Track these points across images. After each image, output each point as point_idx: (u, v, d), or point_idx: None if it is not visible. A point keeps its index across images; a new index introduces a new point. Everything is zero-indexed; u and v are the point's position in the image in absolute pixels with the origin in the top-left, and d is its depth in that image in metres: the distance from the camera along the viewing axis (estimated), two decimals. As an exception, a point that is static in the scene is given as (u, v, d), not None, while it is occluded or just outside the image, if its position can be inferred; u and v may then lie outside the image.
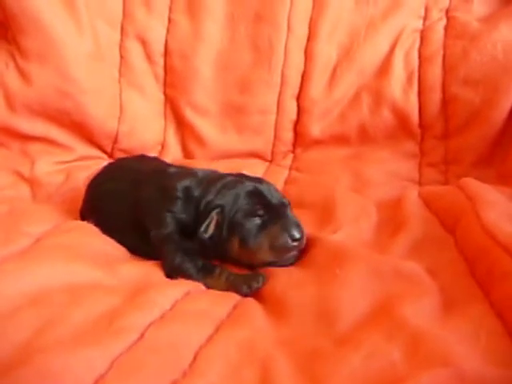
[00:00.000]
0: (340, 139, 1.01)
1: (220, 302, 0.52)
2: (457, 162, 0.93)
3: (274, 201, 0.61)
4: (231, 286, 0.56)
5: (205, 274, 0.58)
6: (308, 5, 1.00)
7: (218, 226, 0.60)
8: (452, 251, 0.57)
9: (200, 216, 0.60)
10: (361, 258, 0.53)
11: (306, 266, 0.57)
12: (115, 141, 1.01)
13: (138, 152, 1.01)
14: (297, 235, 0.57)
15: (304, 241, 0.59)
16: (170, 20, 1.03)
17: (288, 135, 1.04)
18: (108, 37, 1.00)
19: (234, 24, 1.01)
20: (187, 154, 1.05)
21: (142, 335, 0.41)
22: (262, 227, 0.58)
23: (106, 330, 0.41)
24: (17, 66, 0.93)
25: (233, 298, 0.54)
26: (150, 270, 0.61)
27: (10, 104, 0.94)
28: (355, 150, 1.00)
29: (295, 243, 0.57)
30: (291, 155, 1.04)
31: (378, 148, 0.99)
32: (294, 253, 0.59)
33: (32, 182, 0.94)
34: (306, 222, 0.70)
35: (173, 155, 1.04)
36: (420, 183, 0.93)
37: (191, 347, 0.42)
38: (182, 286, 0.55)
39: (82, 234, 0.65)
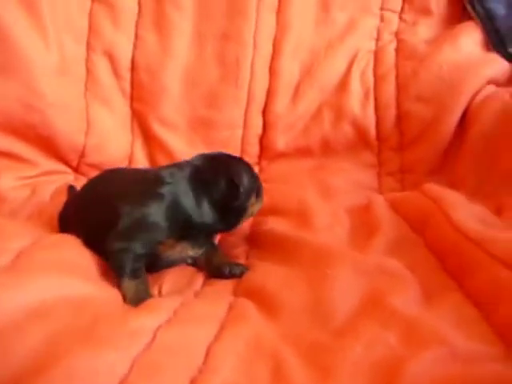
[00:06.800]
0: (304, 152, 1.07)
1: (215, 304, 0.53)
2: (411, 171, 1.01)
3: None
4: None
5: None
6: (272, 25, 1.05)
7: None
8: (423, 250, 0.62)
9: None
10: (346, 257, 0.57)
11: (293, 265, 0.60)
12: (82, 155, 1.00)
13: (105, 166, 1.01)
14: None
15: None
16: (136, 36, 1.04)
17: (254, 149, 1.08)
18: (74, 51, 1.00)
19: (201, 41, 1.04)
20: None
21: (154, 337, 0.42)
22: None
23: (121, 332, 0.42)
24: (-21, 79, 0.91)
25: (225, 299, 0.56)
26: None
27: (-29, 117, 0.91)
28: (318, 162, 1.06)
29: None
30: (257, 167, 1.08)
31: (339, 159, 1.05)
32: None
33: (-5, 198, 0.91)
34: (282, 228, 0.75)
35: (140, 168, 1.04)
36: (380, 191, 1.00)
37: (201, 346, 0.43)
38: (175, 297, 0.57)
39: (65, 247, 0.63)
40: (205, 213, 0.64)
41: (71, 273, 0.56)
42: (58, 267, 0.57)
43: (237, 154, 1.06)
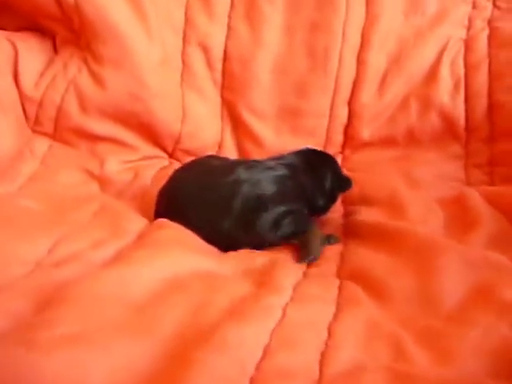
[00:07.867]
0: (388, 142, 1.08)
1: (325, 286, 0.57)
2: (502, 164, 0.98)
3: None
4: None
5: None
6: (361, 15, 1.06)
7: None
8: (527, 245, 0.63)
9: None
10: (451, 248, 0.59)
11: (397, 253, 0.62)
12: (177, 141, 1.07)
13: (197, 152, 1.08)
14: None
15: None
16: (229, 27, 1.09)
17: (338, 138, 1.10)
18: (173, 43, 1.06)
19: (291, 32, 1.07)
20: (243, 153, 1.11)
21: (284, 313, 0.48)
22: None
23: (256, 308, 0.47)
24: (90, 71, 0.99)
25: (332, 281, 0.60)
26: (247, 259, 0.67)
27: (83, 106, 0.99)
28: (402, 152, 1.07)
29: None
30: (340, 156, 1.11)
31: (424, 150, 1.05)
32: None
33: (101, 180, 0.99)
34: (377, 218, 0.77)
35: (229, 155, 1.10)
36: (466, 184, 0.99)
37: (323, 324, 0.48)
38: (291, 274, 0.61)
39: (177, 230, 0.69)
40: (319, 197, 0.79)
41: (193, 250, 0.63)
42: (181, 244, 0.63)
43: (321, 142, 1.09)
